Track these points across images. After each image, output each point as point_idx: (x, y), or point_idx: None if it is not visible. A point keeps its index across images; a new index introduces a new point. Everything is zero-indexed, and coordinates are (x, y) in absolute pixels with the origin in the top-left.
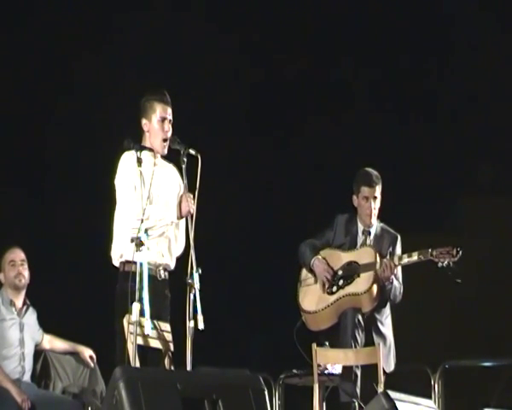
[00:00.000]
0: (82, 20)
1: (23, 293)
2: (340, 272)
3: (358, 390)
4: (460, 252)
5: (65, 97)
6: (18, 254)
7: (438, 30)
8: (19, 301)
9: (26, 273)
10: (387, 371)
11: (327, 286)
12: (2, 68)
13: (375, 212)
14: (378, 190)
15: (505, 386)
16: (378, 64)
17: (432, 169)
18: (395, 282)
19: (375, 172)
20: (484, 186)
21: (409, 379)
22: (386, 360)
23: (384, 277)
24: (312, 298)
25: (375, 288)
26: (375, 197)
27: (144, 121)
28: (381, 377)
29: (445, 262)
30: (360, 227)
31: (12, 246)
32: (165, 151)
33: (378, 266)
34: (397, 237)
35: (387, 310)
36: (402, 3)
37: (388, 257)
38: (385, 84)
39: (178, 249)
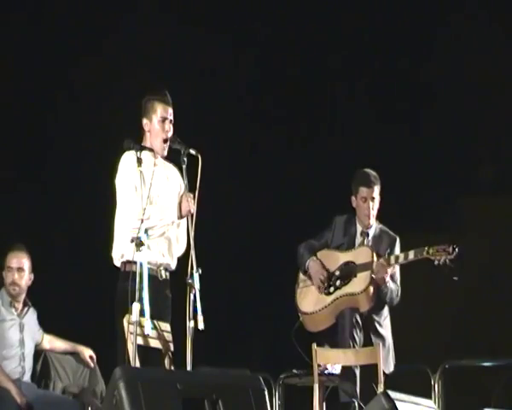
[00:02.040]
0: (81, 22)
1: (22, 296)
2: (337, 273)
3: (358, 390)
4: (456, 249)
5: (65, 98)
6: (18, 260)
7: (438, 27)
8: (19, 302)
9: (23, 281)
10: (387, 372)
11: (322, 287)
12: (3, 69)
13: (374, 213)
14: (376, 190)
15: (505, 386)
16: (377, 64)
17: (432, 169)
18: (391, 284)
19: (373, 173)
20: (484, 186)
21: (409, 379)
22: (386, 361)
23: (378, 278)
24: (310, 299)
25: (371, 287)
26: (373, 198)
27: (145, 121)
28: (381, 378)
29: (442, 260)
30: (359, 228)
31: (17, 247)
32: (165, 153)
33: (375, 265)
34: (396, 239)
35: (386, 311)
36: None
37: (386, 257)
38: (384, 83)
39: (180, 249)
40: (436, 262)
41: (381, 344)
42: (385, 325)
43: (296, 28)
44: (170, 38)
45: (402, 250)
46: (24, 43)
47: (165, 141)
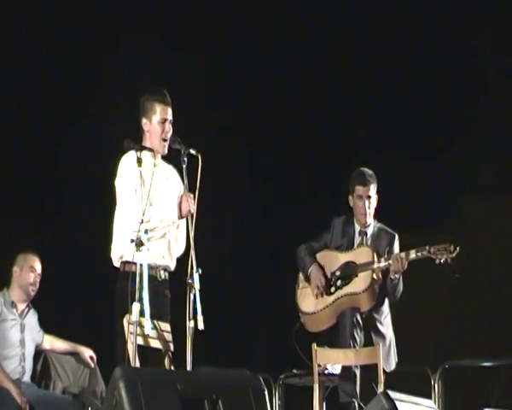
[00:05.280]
0: (84, 24)
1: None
2: (338, 273)
3: (358, 390)
4: (457, 248)
5: (66, 99)
6: (39, 263)
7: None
8: (22, 303)
9: (38, 285)
10: (388, 370)
11: (318, 293)
12: (5, 69)
13: (370, 211)
14: (372, 189)
15: (505, 386)
16: (377, 66)
17: (432, 169)
18: (400, 276)
19: (369, 172)
20: (484, 186)
21: (409, 379)
22: (387, 360)
23: (395, 271)
24: (311, 299)
25: (372, 287)
26: (368, 196)
27: (144, 121)
28: (381, 377)
29: (443, 259)
30: (357, 228)
31: (31, 251)
32: (166, 151)
33: (376, 265)
34: (394, 236)
35: (386, 309)
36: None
37: (387, 256)
38: (384, 84)
39: (179, 250)
40: (437, 261)
41: (381, 344)
42: (385, 323)
43: (295, 29)
44: (170, 38)
45: (402, 250)
46: (24, 43)
47: (164, 140)
